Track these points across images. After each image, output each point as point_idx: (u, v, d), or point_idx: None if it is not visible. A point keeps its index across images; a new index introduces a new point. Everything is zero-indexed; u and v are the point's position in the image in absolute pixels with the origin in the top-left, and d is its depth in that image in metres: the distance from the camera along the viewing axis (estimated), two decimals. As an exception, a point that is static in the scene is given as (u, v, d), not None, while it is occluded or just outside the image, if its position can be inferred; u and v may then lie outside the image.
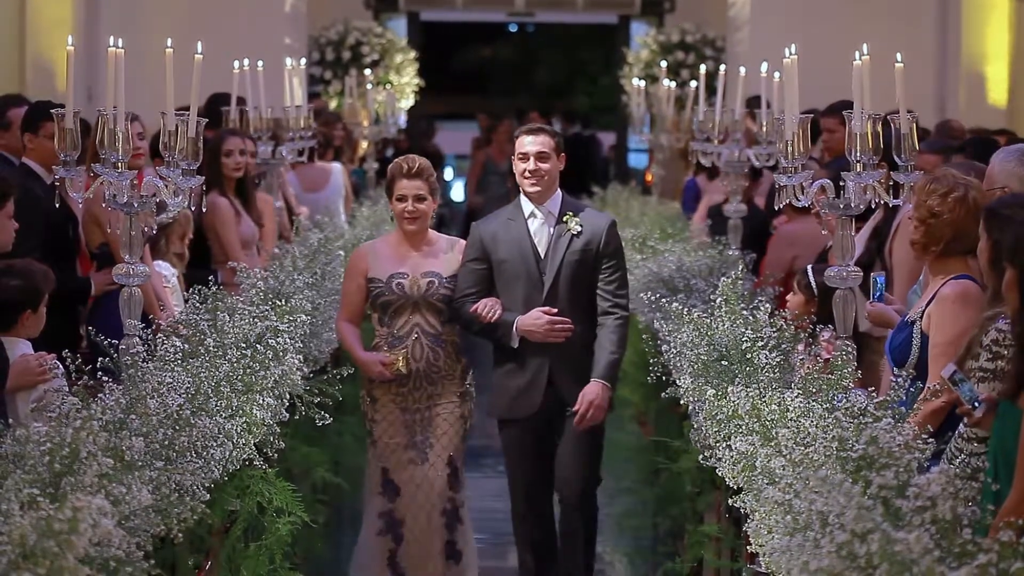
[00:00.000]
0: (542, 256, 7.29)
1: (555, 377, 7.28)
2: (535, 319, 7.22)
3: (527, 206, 7.35)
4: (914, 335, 5.78)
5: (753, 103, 10.54)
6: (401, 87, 18.55)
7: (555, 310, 7.23)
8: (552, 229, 7.31)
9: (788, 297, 7.46)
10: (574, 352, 7.26)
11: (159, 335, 6.09)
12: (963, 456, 4.94)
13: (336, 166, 12.03)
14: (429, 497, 7.28)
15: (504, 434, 7.44)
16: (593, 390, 7.23)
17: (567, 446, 7.31)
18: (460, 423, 7.38)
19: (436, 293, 7.32)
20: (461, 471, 7.37)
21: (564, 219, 7.30)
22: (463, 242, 7.47)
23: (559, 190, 7.38)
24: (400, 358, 7.28)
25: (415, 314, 7.33)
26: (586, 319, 7.28)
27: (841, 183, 6.24)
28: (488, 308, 7.23)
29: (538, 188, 7.29)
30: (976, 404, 4.86)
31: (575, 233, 7.27)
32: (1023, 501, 4.26)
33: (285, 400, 6.40)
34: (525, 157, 7.28)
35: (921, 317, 5.78)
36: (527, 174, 7.27)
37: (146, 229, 6.50)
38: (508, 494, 7.42)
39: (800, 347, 6.37)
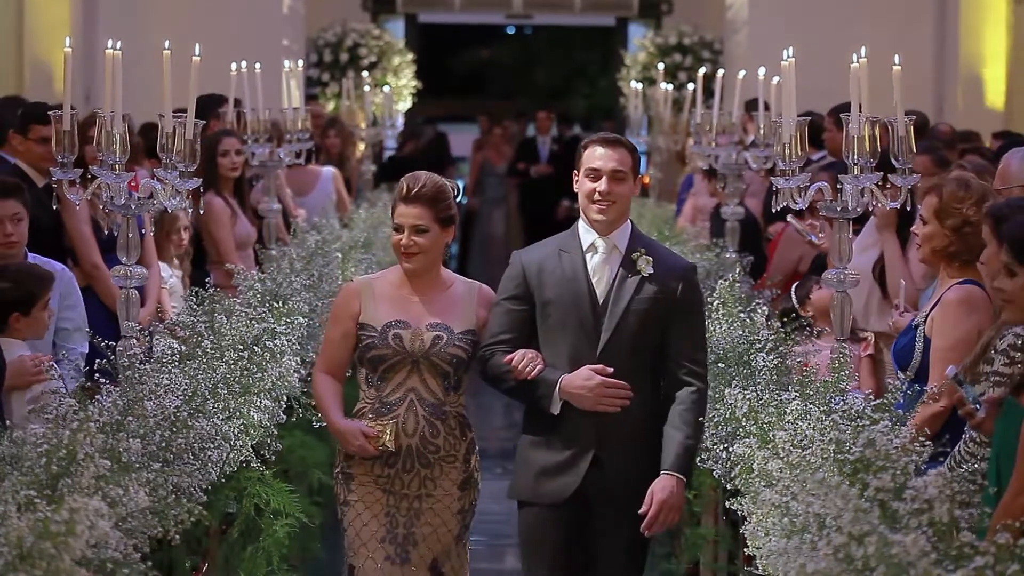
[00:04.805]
0: (600, 301, 5.68)
1: (602, 455, 5.67)
2: (584, 380, 5.61)
3: (587, 236, 5.75)
4: (917, 339, 5.76)
5: (751, 106, 10.55)
6: (399, 89, 18.56)
7: (610, 370, 5.63)
8: (616, 268, 5.70)
9: (815, 295, 7.54)
10: (629, 425, 5.66)
11: (153, 336, 6.12)
12: (974, 461, 4.84)
13: (327, 171, 11.94)
14: None
15: (523, 518, 5.81)
16: (665, 487, 5.60)
17: (612, 555, 5.73)
18: (456, 520, 5.82)
19: (443, 352, 5.72)
20: None
21: (633, 257, 5.71)
22: (486, 288, 5.90)
23: (630, 221, 5.82)
24: (387, 431, 5.69)
25: (412, 376, 5.73)
26: (648, 385, 5.71)
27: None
28: (526, 361, 5.64)
29: (607, 217, 5.71)
30: (978, 405, 4.84)
31: (645, 275, 5.68)
32: (1017, 497, 4.26)
33: (282, 402, 6.41)
34: (596, 175, 5.69)
35: (925, 320, 5.76)
36: (596, 196, 5.68)
37: (106, 231, 6.50)
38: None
39: (798, 348, 6.38)
